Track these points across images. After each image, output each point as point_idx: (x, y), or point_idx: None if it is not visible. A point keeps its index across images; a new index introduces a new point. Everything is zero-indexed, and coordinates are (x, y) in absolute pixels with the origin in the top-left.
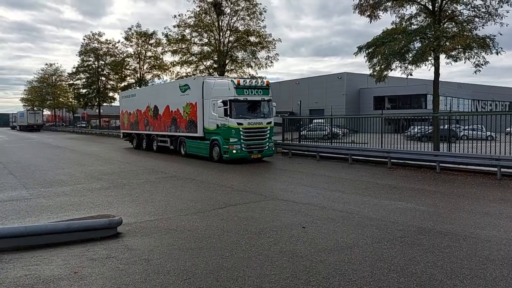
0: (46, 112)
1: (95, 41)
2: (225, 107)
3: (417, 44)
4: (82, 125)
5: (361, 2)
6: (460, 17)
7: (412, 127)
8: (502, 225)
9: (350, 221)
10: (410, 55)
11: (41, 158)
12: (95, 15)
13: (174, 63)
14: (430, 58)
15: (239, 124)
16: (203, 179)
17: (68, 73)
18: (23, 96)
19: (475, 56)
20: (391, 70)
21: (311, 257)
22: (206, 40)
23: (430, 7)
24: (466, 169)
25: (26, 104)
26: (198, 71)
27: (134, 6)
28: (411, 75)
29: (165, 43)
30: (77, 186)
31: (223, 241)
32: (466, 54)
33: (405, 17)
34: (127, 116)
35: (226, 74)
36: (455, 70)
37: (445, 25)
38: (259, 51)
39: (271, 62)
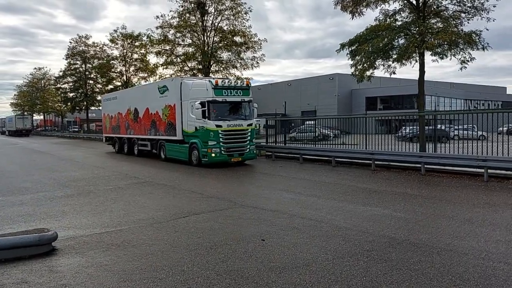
0: (37, 117)
1: (82, 44)
2: (203, 108)
3: (402, 41)
4: (74, 129)
5: None
6: (446, 12)
7: (403, 127)
8: (484, 234)
9: (317, 231)
10: (394, 52)
11: (15, 164)
12: (88, 19)
13: (158, 64)
14: (414, 55)
15: (217, 126)
16: (175, 184)
17: (55, 77)
18: (12, 101)
19: (461, 53)
20: (374, 69)
21: (258, 278)
22: (190, 41)
23: (414, 2)
24: (453, 171)
25: (16, 109)
26: (182, 73)
27: (128, 9)
28: (394, 73)
29: (148, 45)
30: (39, 195)
31: (166, 259)
32: (452, 50)
33: (389, 13)
34: (108, 120)
35: (211, 75)
36: (449, 71)
37: (430, 21)
38: (245, 51)
39: (257, 63)
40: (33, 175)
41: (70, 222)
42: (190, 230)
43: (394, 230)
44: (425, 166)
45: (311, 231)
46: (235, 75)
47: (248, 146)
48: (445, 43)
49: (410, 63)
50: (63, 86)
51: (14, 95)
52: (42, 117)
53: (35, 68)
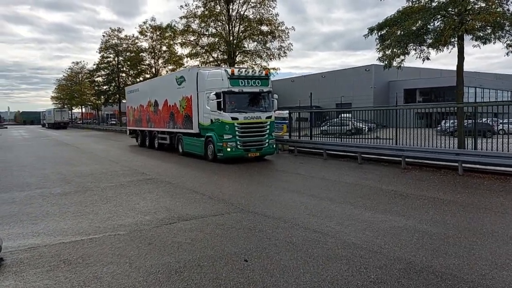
0: (77, 110)
1: (115, 37)
2: (218, 100)
3: (437, 24)
4: (112, 122)
5: None
6: None
7: (444, 121)
8: None
9: (318, 248)
10: (429, 36)
11: (35, 158)
12: (129, 14)
13: (182, 55)
14: (452, 39)
15: (233, 118)
16: (180, 182)
17: (88, 70)
18: (53, 94)
19: (507, 35)
20: (406, 55)
21: None
22: (214, 31)
23: None
24: (496, 171)
25: (56, 102)
26: (207, 64)
27: (167, 4)
28: (428, 59)
29: (171, 35)
30: (35, 192)
31: (112, 287)
32: (497, 34)
33: None
34: (132, 112)
35: (236, 65)
36: (494, 62)
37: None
38: (271, 41)
39: (284, 52)
40: (44, 169)
41: (46, 226)
42: (167, 243)
43: (414, 250)
44: (463, 165)
45: (310, 249)
46: (261, 66)
47: (267, 140)
48: (488, 25)
49: (448, 48)
50: (96, 79)
51: (55, 88)
52: (80, 110)
53: (73, 62)
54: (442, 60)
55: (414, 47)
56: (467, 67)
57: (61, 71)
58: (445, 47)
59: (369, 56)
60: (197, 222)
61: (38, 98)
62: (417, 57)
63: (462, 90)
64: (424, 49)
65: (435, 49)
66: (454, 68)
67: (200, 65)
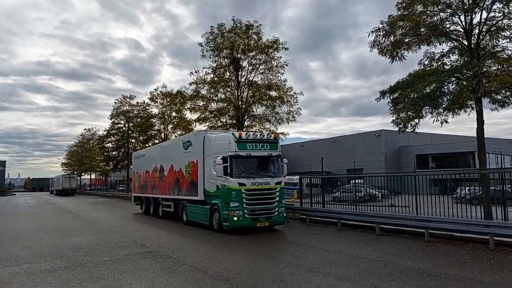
0: (86, 176)
1: (126, 104)
2: (225, 164)
3: (452, 86)
4: (121, 188)
5: (378, 39)
6: (504, 53)
7: (460, 187)
8: None
9: None
10: (445, 99)
11: (33, 228)
12: (143, 83)
13: (191, 120)
14: (470, 102)
15: (240, 184)
16: (181, 257)
17: (98, 136)
18: (63, 161)
19: None
20: (420, 119)
21: None
22: (223, 96)
23: (466, 42)
24: None
25: (65, 168)
26: (216, 128)
27: (179, 73)
28: (446, 122)
29: (181, 100)
30: (23, 267)
31: None
32: None
33: (435, 57)
34: (137, 178)
35: (244, 130)
36: (504, 128)
37: (485, 61)
38: (280, 105)
39: (293, 117)
40: (40, 241)
41: None
42: None
43: None
44: (494, 238)
45: None
46: (269, 130)
47: (277, 209)
48: (507, 86)
49: (465, 111)
50: (106, 145)
51: (66, 155)
52: (89, 176)
53: (85, 129)
54: (451, 126)
55: (430, 110)
56: (474, 133)
57: (73, 137)
58: (462, 110)
59: (378, 122)
60: None
61: (51, 164)
62: (434, 121)
63: (484, 155)
64: (441, 112)
65: (451, 112)
66: (464, 133)
67: (208, 129)
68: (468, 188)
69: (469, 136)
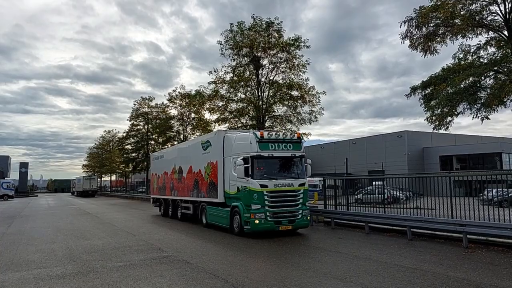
0: (107, 178)
1: (145, 106)
2: (246, 165)
3: (490, 81)
4: (141, 189)
5: (411, 31)
6: None
7: (488, 189)
8: None
9: None
10: (483, 93)
11: (50, 229)
12: (163, 86)
13: (210, 121)
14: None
15: (262, 186)
16: (199, 262)
17: (118, 138)
18: (84, 162)
19: None
20: (455, 116)
21: None
22: (243, 96)
23: (506, 33)
24: None
25: (86, 170)
26: (235, 129)
27: (199, 76)
28: (487, 118)
29: (199, 101)
30: (33, 272)
31: None
32: None
33: (471, 50)
34: (156, 180)
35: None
36: None
37: None
38: (301, 105)
39: (315, 117)
40: (54, 243)
41: None
42: None
43: None
44: None
45: None
46: (291, 130)
47: (301, 211)
48: None
49: (505, 106)
50: (126, 147)
51: (87, 157)
52: (109, 178)
53: (105, 131)
54: (474, 127)
55: (468, 106)
56: (499, 134)
57: (94, 140)
58: (502, 106)
59: (398, 124)
60: None
61: (72, 166)
62: (473, 117)
63: None
64: (479, 108)
65: (490, 108)
66: (487, 134)
67: (227, 129)
68: (496, 190)
69: (494, 136)
